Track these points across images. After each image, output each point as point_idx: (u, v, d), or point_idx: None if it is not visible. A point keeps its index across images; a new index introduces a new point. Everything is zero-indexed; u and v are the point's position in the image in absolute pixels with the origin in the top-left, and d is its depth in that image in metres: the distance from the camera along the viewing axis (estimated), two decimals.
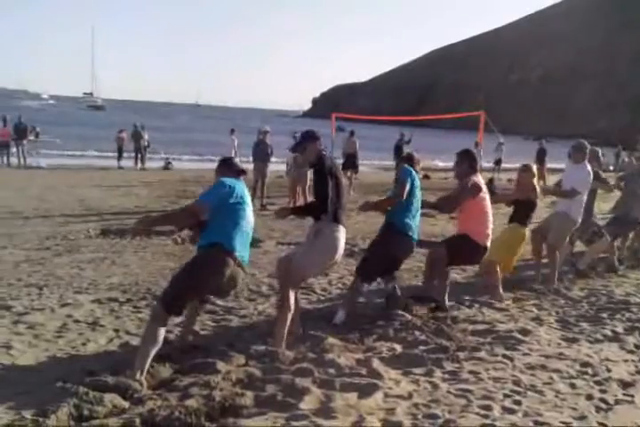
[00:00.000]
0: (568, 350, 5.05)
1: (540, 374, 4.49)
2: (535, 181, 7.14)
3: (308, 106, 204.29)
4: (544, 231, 7.52)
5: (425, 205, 6.24)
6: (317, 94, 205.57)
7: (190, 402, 3.71)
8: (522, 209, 6.96)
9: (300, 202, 13.67)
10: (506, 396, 4.08)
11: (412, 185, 5.83)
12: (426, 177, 23.10)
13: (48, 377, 4.15)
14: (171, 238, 9.66)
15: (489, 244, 6.27)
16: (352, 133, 19.86)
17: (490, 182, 8.26)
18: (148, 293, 6.58)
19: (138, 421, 3.48)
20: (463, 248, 6.14)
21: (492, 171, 24.55)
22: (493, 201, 6.82)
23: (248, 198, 4.68)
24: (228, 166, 4.85)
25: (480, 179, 6.34)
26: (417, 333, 5.28)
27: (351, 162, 19.07)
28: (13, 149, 23.45)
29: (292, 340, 4.90)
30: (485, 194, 6.31)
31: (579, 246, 8.90)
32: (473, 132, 27.12)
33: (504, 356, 4.84)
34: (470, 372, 4.49)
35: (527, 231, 7.01)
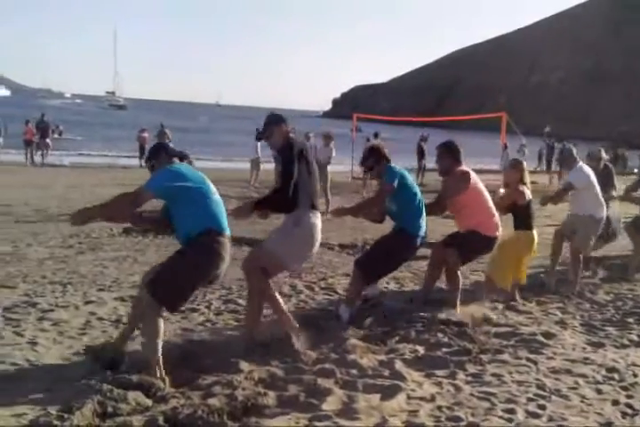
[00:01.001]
0: (594, 355, 4.99)
1: (564, 379, 4.44)
2: (523, 180, 6.62)
3: (328, 106, 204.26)
4: (567, 233, 7.39)
5: None
6: (338, 95, 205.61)
7: (213, 401, 3.72)
8: (519, 214, 6.59)
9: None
10: (530, 400, 4.04)
11: (405, 182, 5.57)
12: None
13: (72, 374, 4.18)
14: None
15: (500, 232, 6.09)
16: (376, 135, 19.98)
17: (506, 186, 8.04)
18: None
19: (161, 419, 3.49)
20: (475, 245, 5.96)
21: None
22: None
23: (205, 177, 4.37)
24: (157, 156, 4.45)
25: (469, 169, 6.06)
26: (439, 335, 5.24)
27: None
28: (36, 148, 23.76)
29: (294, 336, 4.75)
30: (479, 183, 6.04)
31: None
32: (493, 134, 26.93)
33: (528, 359, 4.80)
34: (493, 375, 4.46)
35: (535, 234, 6.62)
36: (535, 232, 6.63)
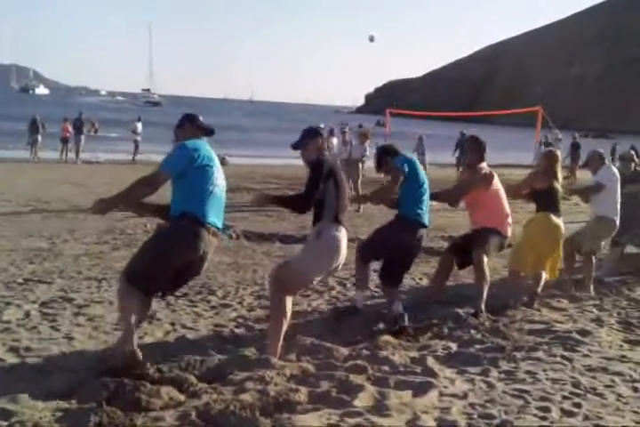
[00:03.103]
0: (630, 353, 4.90)
1: (600, 377, 4.37)
2: (552, 169, 6.39)
3: (361, 102, 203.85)
4: (575, 242, 7.01)
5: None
6: (371, 90, 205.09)
7: (245, 396, 3.73)
8: (545, 198, 6.32)
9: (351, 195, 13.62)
10: (565, 398, 3.98)
11: (414, 171, 5.55)
12: None
13: (106, 369, 4.22)
14: (226, 233, 9.76)
15: (510, 234, 6.08)
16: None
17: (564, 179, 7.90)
18: (203, 287, 6.66)
19: (194, 414, 3.50)
20: (492, 240, 5.93)
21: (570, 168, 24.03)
22: (510, 195, 6.52)
23: (216, 160, 4.34)
24: (190, 124, 4.43)
25: (492, 171, 6.10)
26: (472, 331, 5.20)
27: None
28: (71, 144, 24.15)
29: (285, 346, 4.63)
30: (498, 184, 6.08)
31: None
32: (528, 129, 26.55)
33: (562, 357, 4.73)
34: (527, 372, 4.40)
35: (555, 218, 6.29)
36: (555, 217, 6.29)
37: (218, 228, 4.27)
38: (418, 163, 5.77)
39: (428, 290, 6.53)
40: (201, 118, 4.55)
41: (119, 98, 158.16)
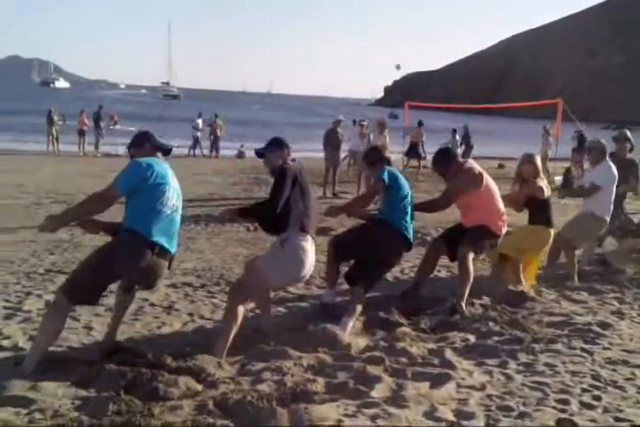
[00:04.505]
0: None
1: (621, 370, 4.32)
2: (539, 176, 6.34)
3: (380, 95, 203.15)
4: (565, 234, 6.95)
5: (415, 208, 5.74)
6: (390, 83, 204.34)
7: (262, 387, 3.75)
8: (536, 210, 6.31)
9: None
10: (584, 390, 3.95)
11: (396, 183, 5.41)
12: (500, 166, 23.08)
13: (125, 358, 4.24)
14: (243, 226, 9.80)
15: (504, 232, 5.95)
16: (420, 124, 20.69)
17: (567, 173, 7.77)
18: (221, 278, 6.69)
19: (211, 403, 3.52)
20: (485, 239, 5.82)
21: (570, 160, 23.76)
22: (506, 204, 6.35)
23: (171, 179, 4.20)
24: (139, 144, 4.33)
25: (482, 170, 5.91)
26: (491, 323, 5.16)
27: (414, 151, 19.92)
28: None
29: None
30: (490, 182, 5.89)
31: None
32: (549, 121, 26.23)
33: (582, 349, 4.68)
34: (546, 364, 4.37)
35: (552, 232, 6.35)
36: (552, 231, 6.39)
37: (165, 248, 4.13)
38: (401, 175, 5.60)
39: (414, 280, 6.28)
40: (157, 136, 4.47)
41: (143, 91, 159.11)
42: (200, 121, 25.11)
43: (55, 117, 23.89)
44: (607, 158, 7.20)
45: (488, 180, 5.90)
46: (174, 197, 4.20)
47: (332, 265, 5.67)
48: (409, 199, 5.50)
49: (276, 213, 4.48)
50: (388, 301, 5.86)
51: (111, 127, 28.83)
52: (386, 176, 5.37)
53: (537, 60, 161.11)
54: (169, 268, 4.30)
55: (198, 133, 24.94)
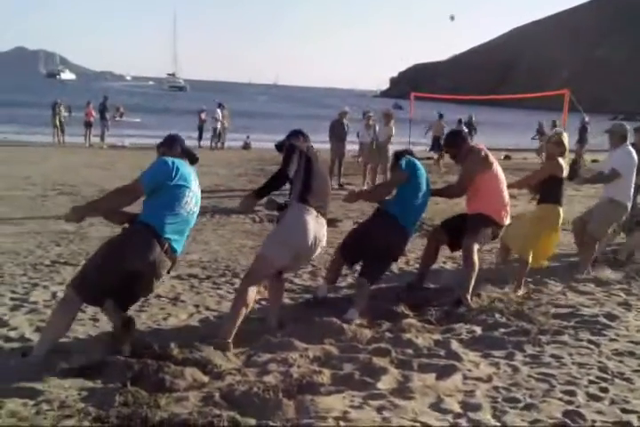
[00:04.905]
0: None
1: (628, 361, 4.31)
2: (563, 155, 6.13)
3: (386, 86, 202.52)
4: (586, 220, 6.96)
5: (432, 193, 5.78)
6: (396, 74, 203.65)
7: (268, 378, 3.75)
8: (549, 187, 6.05)
9: (379, 180, 13.50)
10: (591, 382, 3.94)
11: (413, 177, 5.45)
12: (507, 157, 23.05)
13: (131, 349, 4.25)
14: (249, 217, 9.80)
15: (508, 221, 5.87)
16: (441, 116, 21.06)
17: (574, 163, 7.72)
18: (227, 270, 6.69)
19: (217, 395, 3.53)
20: (485, 230, 5.74)
21: (576, 151, 23.66)
22: (517, 186, 6.40)
23: (193, 183, 4.24)
24: (171, 145, 4.41)
25: (487, 150, 5.87)
26: (497, 315, 5.16)
27: (437, 144, 19.97)
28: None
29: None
30: (498, 169, 5.83)
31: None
32: (556, 112, 26.13)
33: (589, 341, 4.67)
34: (553, 356, 4.36)
35: (561, 210, 6.11)
36: (561, 209, 6.14)
37: (174, 248, 4.14)
38: (423, 170, 5.61)
39: (418, 272, 6.28)
40: (181, 140, 4.55)
41: (150, 83, 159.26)
42: (219, 111, 24.90)
43: (61, 109, 23.87)
44: (627, 143, 7.09)
45: (497, 166, 5.87)
46: (193, 201, 4.24)
47: (335, 264, 5.76)
48: (422, 194, 5.49)
49: (287, 176, 4.55)
50: (394, 292, 5.87)
51: (117, 119, 28.83)
52: (408, 171, 5.44)
53: (543, 51, 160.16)
54: (169, 272, 4.31)
55: (217, 125, 24.76)
